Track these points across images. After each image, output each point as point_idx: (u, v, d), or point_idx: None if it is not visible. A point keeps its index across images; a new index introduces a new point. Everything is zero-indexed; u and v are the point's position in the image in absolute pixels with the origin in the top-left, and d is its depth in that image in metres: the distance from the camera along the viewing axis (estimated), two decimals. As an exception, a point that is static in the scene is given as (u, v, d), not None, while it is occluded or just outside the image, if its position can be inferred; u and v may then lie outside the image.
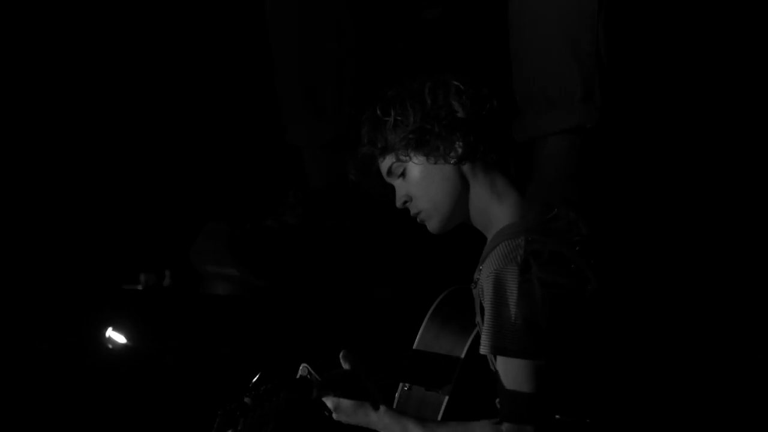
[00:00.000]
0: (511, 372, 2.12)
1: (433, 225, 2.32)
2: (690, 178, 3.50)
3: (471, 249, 2.39)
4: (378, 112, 2.28)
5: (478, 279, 2.24)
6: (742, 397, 3.32)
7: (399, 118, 2.24)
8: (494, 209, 2.27)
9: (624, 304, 2.42)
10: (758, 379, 3.30)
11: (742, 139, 3.48)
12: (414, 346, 2.44)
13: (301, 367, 2.12)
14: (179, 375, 3.87)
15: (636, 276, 3.31)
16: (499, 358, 2.14)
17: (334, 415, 2.18)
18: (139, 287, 3.72)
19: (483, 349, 2.15)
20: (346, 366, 2.20)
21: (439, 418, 2.33)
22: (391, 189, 2.36)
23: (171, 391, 3.88)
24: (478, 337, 2.28)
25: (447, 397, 2.33)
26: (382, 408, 2.18)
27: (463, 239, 2.47)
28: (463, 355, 2.33)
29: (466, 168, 2.26)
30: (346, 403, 2.16)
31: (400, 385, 2.44)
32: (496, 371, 2.16)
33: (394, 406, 2.41)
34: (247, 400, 1.95)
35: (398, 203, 2.33)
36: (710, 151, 3.49)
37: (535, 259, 2.12)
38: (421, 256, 3.69)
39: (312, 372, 2.11)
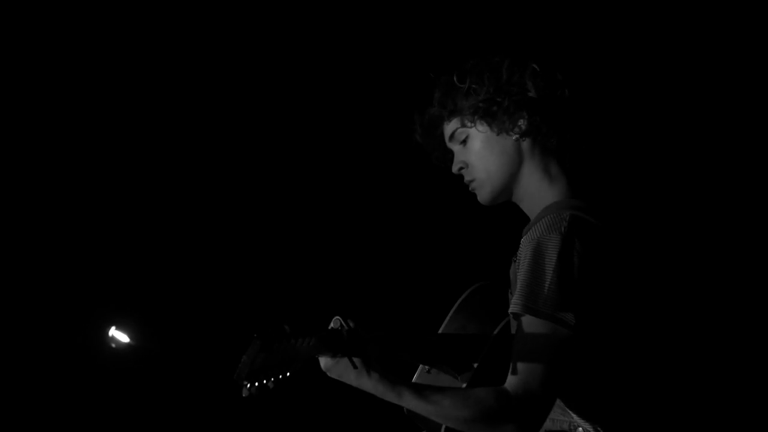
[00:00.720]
0: (533, 334, 2.07)
1: (483, 195, 2.35)
2: (689, 178, 3.50)
3: (496, 248, 2.47)
4: (455, 78, 2.32)
5: (518, 254, 2.23)
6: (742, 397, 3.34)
7: (474, 86, 2.29)
8: (545, 190, 2.31)
9: (661, 293, 2.38)
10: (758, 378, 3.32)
11: (742, 139, 3.48)
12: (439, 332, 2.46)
13: (334, 320, 2.14)
14: (181, 373, 3.90)
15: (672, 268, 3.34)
16: (524, 320, 2.09)
17: (328, 374, 2.17)
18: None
19: (513, 308, 2.11)
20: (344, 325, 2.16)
21: None
22: (450, 154, 2.41)
23: (173, 389, 3.92)
24: (506, 328, 2.30)
25: (464, 385, 2.31)
26: (375, 375, 2.12)
27: (490, 237, 2.52)
28: (489, 343, 2.33)
29: (525, 145, 2.31)
30: (339, 365, 2.14)
31: (420, 366, 2.45)
32: (515, 334, 2.11)
33: None
34: (286, 327, 1.94)
35: (454, 168, 2.38)
36: (710, 151, 3.50)
37: (578, 233, 2.13)
38: (444, 253, 3.70)
39: (344, 324, 2.13)
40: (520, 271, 2.14)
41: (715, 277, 3.40)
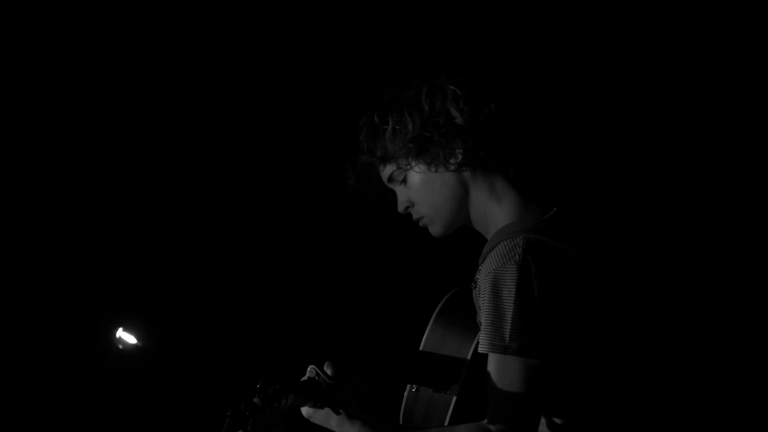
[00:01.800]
0: (505, 370, 2.08)
1: (435, 229, 2.34)
2: (690, 178, 3.51)
3: (471, 250, 2.41)
4: (375, 119, 2.28)
5: (477, 279, 2.25)
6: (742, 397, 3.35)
7: (397, 126, 2.25)
8: (493, 211, 2.28)
9: (625, 304, 2.37)
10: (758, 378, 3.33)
11: (742, 139, 3.49)
12: (420, 348, 2.45)
13: (309, 369, 2.12)
14: (188, 374, 3.90)
15: (636, 276, 3.34)
16: (494, 357, 2.10)
17: (311, 420, 2.16)
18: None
19: (482, 348, 2.12)
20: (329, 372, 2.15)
21: (448, 417, 2.31)
22: (392, 192, 2.38)
23: (180, 390, 3.92)
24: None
25: (455, 397, 2.32)
26: (357, 421, 2.13)
27: (463, 241, 2.52)
28: (469, 356, 2.33)
29: (466, 173, 2.28)
30: (320, 412, 2.13)
31: (408, 386, 2.45)
32: (488, 371, 2.12)
33: (402, 407, 2.43)
34: (256, 400, 1.93)
35: (400, 208, 2.35)
36: (710, 151, 3.50)
37: (534, 257, 2.12)
38: (422, 258, 3.70)
39: (320, 373, 2.12)
40: (482, 307, 2.14)
41: (682, 281, 3.40)
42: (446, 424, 2.30)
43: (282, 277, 3.93)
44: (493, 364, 2.11)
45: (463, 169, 2.26)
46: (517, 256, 2.11)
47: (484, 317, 2.12)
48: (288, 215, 3.91)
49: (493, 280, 2.11)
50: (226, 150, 3.89)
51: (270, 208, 3.91)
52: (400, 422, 2.42)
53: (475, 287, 2.28)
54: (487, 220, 2.30)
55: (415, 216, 2.35)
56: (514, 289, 2.09)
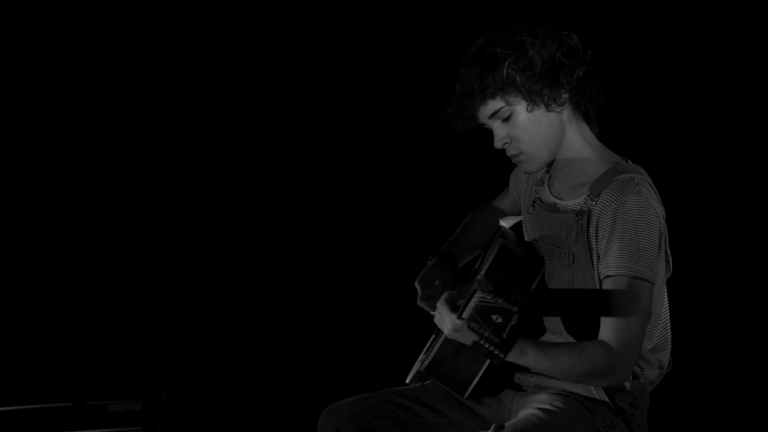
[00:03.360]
0: (629, 292, 2.30)
1: (531, 166, 2.48)
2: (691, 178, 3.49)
3: None
4: (497, 50, 2.38)
5: (583, 209, 2.40)
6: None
7: (521, 60, 2.36)
8: (586, 156, 2.46)
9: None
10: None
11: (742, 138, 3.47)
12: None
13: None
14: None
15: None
16: (623, 280, 2.30)
17: (452, 335, 2.30)
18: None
19: (616, 270, 2.29)
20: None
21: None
22: (477, 127, 2.49)
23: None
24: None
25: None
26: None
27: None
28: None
29: (564, 115, 2.44)
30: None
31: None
32: (603, 293, 2.31)
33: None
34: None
35: (498, 144, 2.46)
36: (709, 151, 3.51)
37: (651, 195, 2.36)
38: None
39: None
40: (610, 234, 2.32)
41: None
42: None
43: (279, 278, 4.03)
44: (622, 286, 2.30)
45: (562, 110, 2.42)
46: (643, 192, 2.34)
47: (616, 243, 2.32)
48: (283, 216, 4.00)
49: (623, 210, 2.33)
50: (218, 155, 3.96)
51: (264, 209, 3.99)
52: None
53: (580, 217, 2.40)
54: (576, 164, 2.47)
55: (511, 152, 2.47)
56: (640, 220, 2.32)
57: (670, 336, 2.50)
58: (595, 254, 2.39)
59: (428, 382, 2.66)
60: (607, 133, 2.54)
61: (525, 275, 2.44)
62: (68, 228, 4.03)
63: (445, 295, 2.36)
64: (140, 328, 4.12)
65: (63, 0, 3.73)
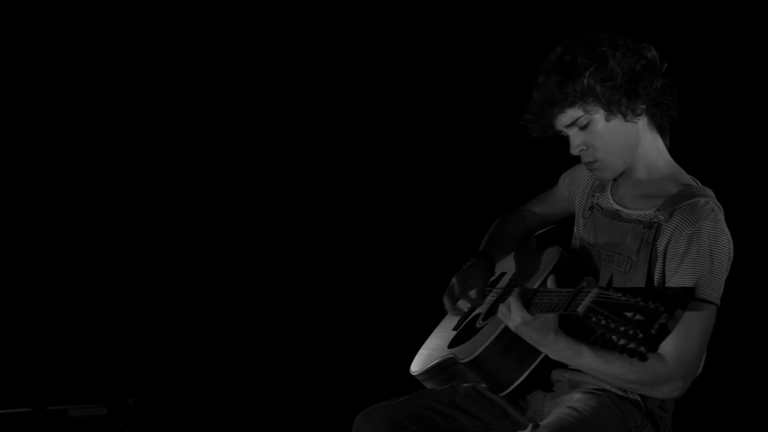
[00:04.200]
0: (698, 315, 2.36)
1: (606, 174, 2.54)
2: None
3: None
4: (578, 59, 2.43)
5: (652, 221, 2.46)
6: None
7: (603, 70, 2.41)
8: (658, 169, 2.53)
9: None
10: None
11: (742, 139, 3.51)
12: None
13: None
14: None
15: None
16: (695, 303, 2.35)
17: (519, 329, 2.37)
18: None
19: (698, 294, 2.35)
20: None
21: None
22: (555, 134, 2.54)
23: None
24: None
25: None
26: (560, 332, 2.37)
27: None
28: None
29: (640, 126, 2.49)
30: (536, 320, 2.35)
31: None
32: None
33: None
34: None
35: (575, 151, 2.52)
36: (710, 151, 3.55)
37: (724, 222, 2.42)
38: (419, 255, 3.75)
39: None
40: (687, 257, 2.38)
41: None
42: None
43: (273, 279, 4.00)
44: (690, 306, 2.33)
45: (638, 121, 2.48)
46: (718, 218, 2.42)
47: (689, 266, 2.38)
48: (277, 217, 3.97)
49: (700, 236, 2.39)
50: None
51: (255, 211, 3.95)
52: None
53: (649, 229, 2.46)
54: (646, 174, 2.53)
55: (587, 159, 2.53)
56: (716, 244, 2.39)
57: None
58: (657, 269, 2.45)
59: (467, 384, 2.68)
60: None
61: (573, 277, 2.45)
62: (23, 228, 3.95)
63: (519, 290, 2.41)
64: (107, 329, 4.05)
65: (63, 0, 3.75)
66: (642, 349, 2.08)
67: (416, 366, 2.82)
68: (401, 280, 3.91)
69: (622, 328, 2.09)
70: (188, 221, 4.01)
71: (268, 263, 4.03)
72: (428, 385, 2.81)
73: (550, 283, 2.40)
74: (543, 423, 2.41)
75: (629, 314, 2.10)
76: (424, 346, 2.90)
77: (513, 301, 2.38)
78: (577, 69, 2.43)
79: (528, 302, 2.37)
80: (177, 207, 4.00)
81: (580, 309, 2.19)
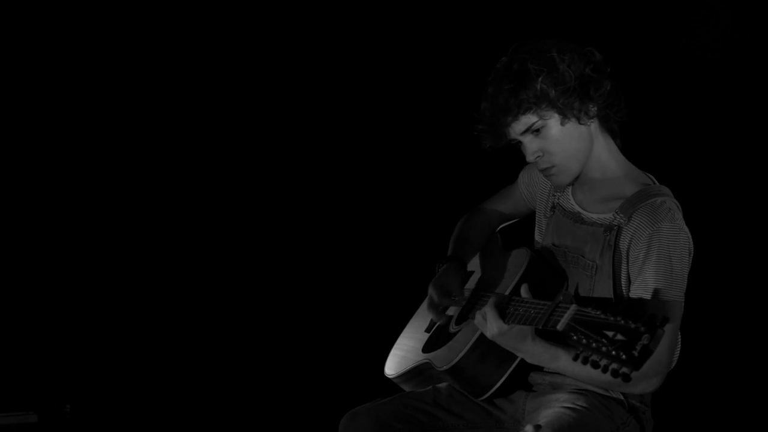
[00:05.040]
0: (673, 316, 2.40)
1: (563, 179, 2.56)
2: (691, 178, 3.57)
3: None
4: (529, 66, 2.44)
5: (612, 224, 2.49)
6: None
7: (555, 75, 2.43)
8: (612, 170, 2.56)
9: None
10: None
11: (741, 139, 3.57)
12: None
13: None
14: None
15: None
16: (656, 303, 2.41)
17: (497, 339, 2.40)
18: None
19: (646, 295, 2.41)
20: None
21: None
22: (506, 142, 2.55)
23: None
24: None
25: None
26: (537, 338, 2.40)
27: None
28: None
29: (593, 128, 2.52)
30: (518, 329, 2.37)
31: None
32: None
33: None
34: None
35: (531, 158, 2.53)
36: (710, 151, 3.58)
37: (682, 219, 2.46)
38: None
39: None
40: (647, 257, 2.42)
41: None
42: None
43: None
44: (659, 309, 2.39)
45: (590, 123, 2.51)
46: (676, 218, 2.45)
47: (651, 267, 2.42)
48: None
49: (659, 235, 2.43)
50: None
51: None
52: None
53: (609, 232, 2.49)
54: (601, 176, 2.56)
55: (543, 165, 2.53)
56: (677, 246, 2.43)
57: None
58: (623, 272, 2.48)
59: (443, 384, 2.70)
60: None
61: (552, 286, 2.54)
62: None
63: (494, 299, 2.42)
64: (38, 331, 3.88)
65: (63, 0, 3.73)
66: (625, 370, 2.09)
67: (391, 369, 2.82)
68: (375, 282, 3.90)
69: (604, 348, 2.11)
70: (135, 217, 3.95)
71: (228, 261, 3.99)
72: (405, 387, 2.82)
73: (524, 292, 2.41)
74: (543, 423, 2.42)
75: (610, 333, 2.11)
76: (396, 347, 2.90)
77: (489, 311, 2.40)
78: (528, 75, 2.44)
79: (503, 311, 2.40)
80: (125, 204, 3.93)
81: (560, 326, 2.21)
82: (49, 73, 3.75)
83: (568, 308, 2.22)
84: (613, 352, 2.08)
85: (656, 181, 2.57)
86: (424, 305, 2.87)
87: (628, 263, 2.47)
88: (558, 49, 2.45)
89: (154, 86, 3.82)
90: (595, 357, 2.12)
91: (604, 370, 2.11)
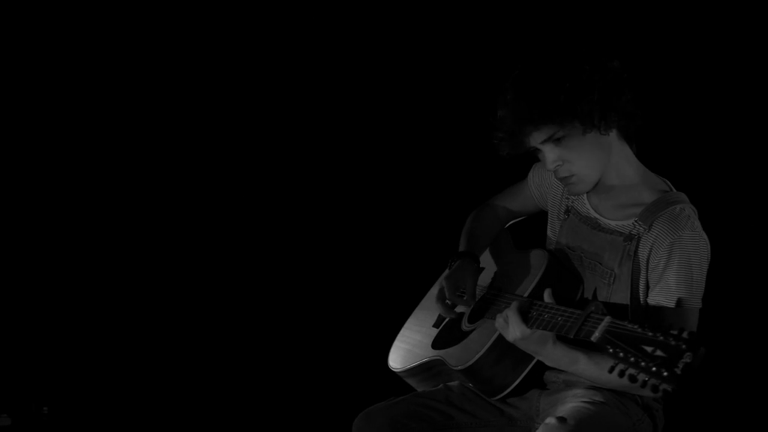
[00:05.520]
0: (684, 320, 2.43)
1: (582, 188, 2.57)
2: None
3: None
4: (541, 78, 2.46)
5: (632, 233, 2.50)
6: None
7: (578, 87, 2.44)
8: (629, 177, 2.57)
9: None
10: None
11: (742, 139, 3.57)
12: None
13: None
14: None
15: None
16: (677, 310, 2.44)
17: (518, 342, 2.41)
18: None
19: (671, 303, 2.43)
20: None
21: None
22: (524, 150, 2.55)
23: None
24: None
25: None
26: (558, 341, 2.42)
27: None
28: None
29: (611, 138, 2.53)
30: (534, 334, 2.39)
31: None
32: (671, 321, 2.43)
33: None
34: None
35: (551, 167, 2.53)
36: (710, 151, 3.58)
37: (701, 227, 2.49)
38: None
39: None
40: (668, 264, 2.45)
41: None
42: None
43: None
44: (679, 316, 2.44)
45: (609, 133, 2.51)
46: (696, 226, 2.48)
47: (673, 275, 2.44)
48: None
49: (681, 246, 2.45)
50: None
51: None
52: None
53: (630, 240, 2.50)
54: (622, 181, 2.57)
55: (563, 174, 2.54)
56: (697, 254, 2.45)
57: None
58: (641, 280, 2.50)
59: (454, 383, 2.69)
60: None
61: (570, 289, 2.55)
62: None
63: (517, 303, 2.42)
64: (12, 333, 3.84)
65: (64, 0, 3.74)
66: (665, 386, 2.08)
67: (397, 362, 2.80)
68: (378, 279, 3.86)
69: (643, 364, 2.10)
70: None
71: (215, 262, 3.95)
72: (409, 382, 2.80)
73: (548, 297, 2.40)
74: (564, 415, 2.42)
75: (649, 349, 2.10)
76: (400, 340, 2.87)
77: (512, 315, 2.40)
78: (551, 85, 2.44)
79: (525, 315, 2.40)
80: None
81: (594, 338, 2.21)
82: (49, 73, 3.79)
83: (602, 320, 2.21)
84: (654, 368, 2.07)
85: (673, 187, 2.57)
86: (430, 297, 2.87)
87: (647, 271, 2.48)
88: (579, 59, 2.46)
89: (154, 86, 3.83)
90: (632, 371, 2.11)
91: (643, 385, 2.10)
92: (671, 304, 2.44)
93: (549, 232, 2.74)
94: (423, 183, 3.85)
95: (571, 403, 2.50)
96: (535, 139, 2.50)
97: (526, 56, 2.52)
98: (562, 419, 2.39)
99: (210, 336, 3.90)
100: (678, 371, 2.04)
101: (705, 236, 2.48)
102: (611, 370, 2.14)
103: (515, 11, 3.68)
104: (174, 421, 3.84)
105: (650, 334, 2.11)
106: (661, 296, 2.45)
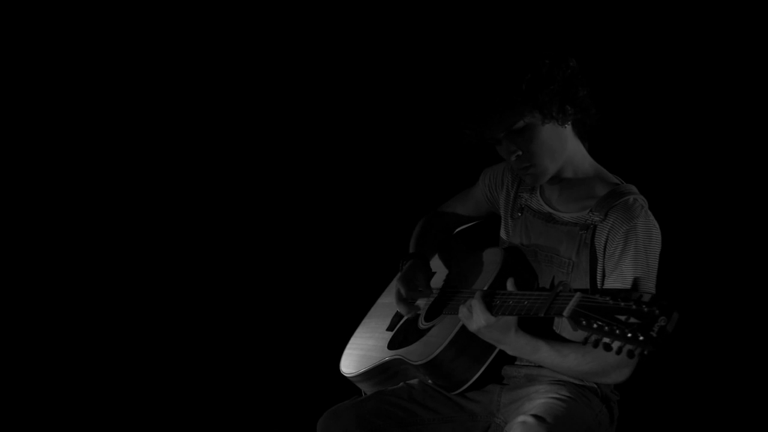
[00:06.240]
0: None
1: (540, 179, 2.62)
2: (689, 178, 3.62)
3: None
4: (504, 70, 2.51)
5: (587, 223, 2.57)
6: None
7: (532, 79, 2.50)
8: (584, 170, 2.65)
9: None
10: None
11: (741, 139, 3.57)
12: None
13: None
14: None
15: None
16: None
17: (480, 333, 2.47)
18: None
19: (622, 285, 2.49)
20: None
21: None
22: (485, 142, 2.60)
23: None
24: None
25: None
26: (519, 331, 2.49)
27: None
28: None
29: (568, 131, 2.60)
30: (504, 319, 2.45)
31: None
32: None
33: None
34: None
35: (510, 156, 2.59)
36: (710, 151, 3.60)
37: (652, 216, 2.56)
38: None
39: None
40: (624, 251, 2.51)
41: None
42: None
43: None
44: None
45: (566, 126, 2.59)
46: (649, 215, 2.55)
47: (629, 262, 2.51)
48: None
49: (636, 234, 2.52)
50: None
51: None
52: None
53: (586, 230, 2.57)
54: (576, 174, 2.65)
55: (522, 164, 2.59)
56: (651, 242, 2.53)
57: None
58: (599, 267, 2.56)
59: (414, 381, 2.72)
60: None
61: (528, 281, 2.61)
62: None
63: (481, 293, 2.46)
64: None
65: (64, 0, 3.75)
66: (643, 350, 2.14)
67: (350, 367, 2.83)
68: (328, 283, 3.91)
69: (618, 331, 2.16)
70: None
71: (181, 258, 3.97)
72: (362, 386, 2.84)
73: (510, 286, 2.47)
74: (536, 413, 2.47)
75: (622, 317, 2.16)
76: (351, 347, 2.91)
77: (476, 303, 2.46)
78: (512, 77, 2.51)
79: (489, 304, 2.45)
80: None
81: (566, 313, 2.26)
82: (49, 74, 3.78)
83: (572, 296, 2.27)
84: (629, 334, 2.13)
85: (623, 182, 2.64)
86: (379, 306, 2.93)
87: (604, 259, 2.54)
88: (540, 53, 2.54)
89: (153, 86, 3.84)
90: (606, 339, 2.17)
91: (618, 351, 2.15)
92: (628, 287, 2.51)
93: (502, 233, 2.80)
94: (367, 193, 3.88)
95: (541, 400, 2.55)
96: (497, 129, 2.55)
97: (487, 49, 2.57)
98: (539, 418, 2.43)
99: (197, 336, 3.93)
100: (654, 334, 2.11)
101: (657, 225, 2.55)
102: (585, 341, 2.21)
103: (471, 10, 3.71)
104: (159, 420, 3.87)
105: (623, 304, 2.18)
106: (619, 282, 2.51)
